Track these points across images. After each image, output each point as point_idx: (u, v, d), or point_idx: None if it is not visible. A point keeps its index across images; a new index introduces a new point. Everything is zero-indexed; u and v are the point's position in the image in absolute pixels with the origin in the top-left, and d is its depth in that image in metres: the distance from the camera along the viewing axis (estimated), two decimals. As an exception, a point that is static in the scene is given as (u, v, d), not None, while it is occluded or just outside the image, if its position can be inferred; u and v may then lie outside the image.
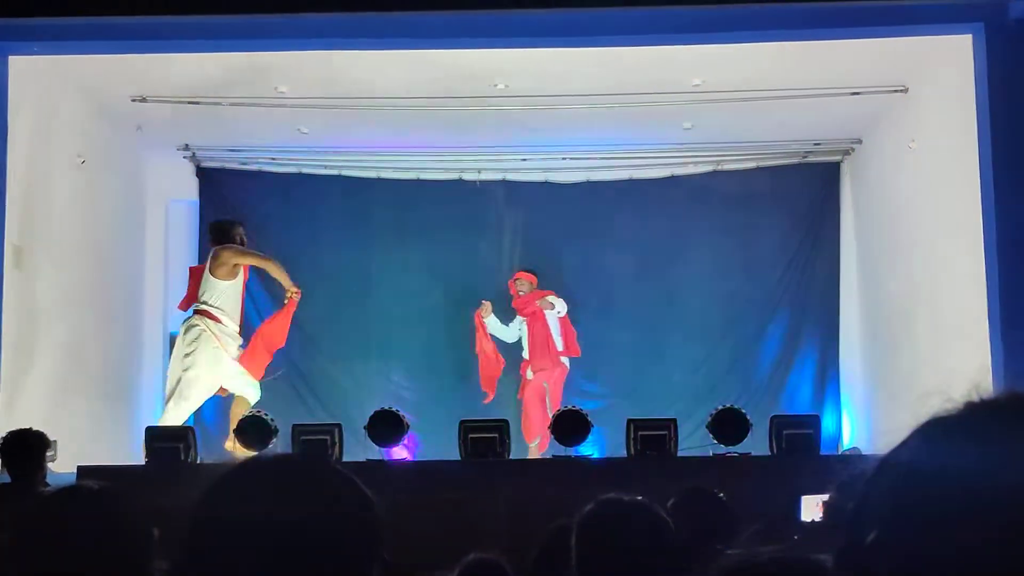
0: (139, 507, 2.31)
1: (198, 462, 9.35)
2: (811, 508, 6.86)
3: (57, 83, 10.63)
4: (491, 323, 12.28)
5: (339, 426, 9.72)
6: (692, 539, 5.16)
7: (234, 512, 1.49)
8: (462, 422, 9.83)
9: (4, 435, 6.85)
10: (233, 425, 9.95)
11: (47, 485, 6.22)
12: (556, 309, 12.18)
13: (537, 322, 12.20)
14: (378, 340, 13.19)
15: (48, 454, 6.93)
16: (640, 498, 3.49)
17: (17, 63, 9.68)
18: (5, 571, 2.28)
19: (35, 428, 6.74)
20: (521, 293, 12.31)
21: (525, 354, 12.26)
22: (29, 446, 6.52)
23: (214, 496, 1.51)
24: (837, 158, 13.37)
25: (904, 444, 1.13)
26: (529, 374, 12.17)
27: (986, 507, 1.01)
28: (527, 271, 12.55)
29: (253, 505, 1.48)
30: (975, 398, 1.13)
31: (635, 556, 3.32)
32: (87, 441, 10.45)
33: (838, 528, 1.16)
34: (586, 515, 3.42)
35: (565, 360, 12.22)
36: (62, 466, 8.66)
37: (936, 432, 1.11)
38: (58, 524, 2.20)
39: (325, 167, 13.35)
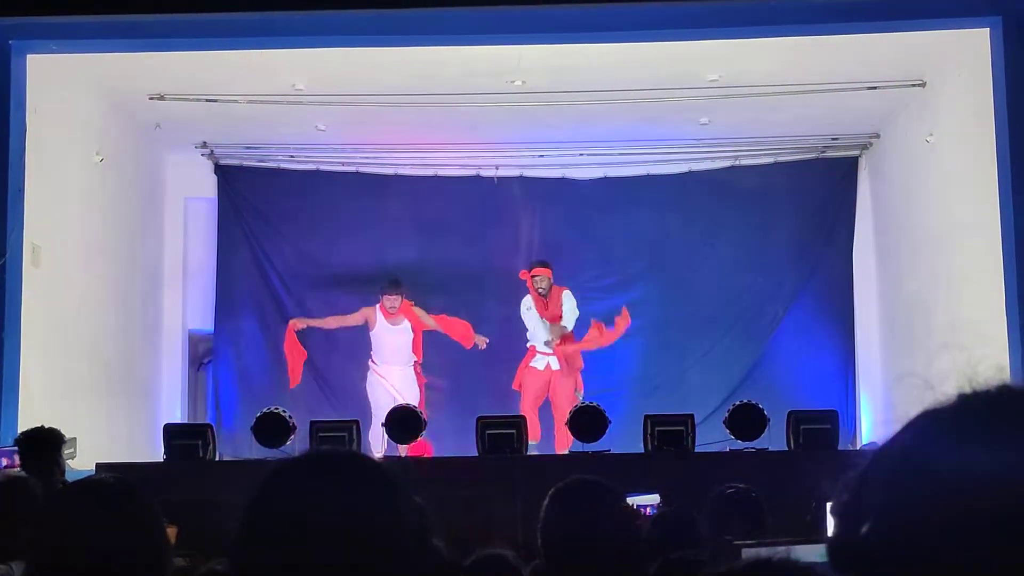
0: (154, 502, 2.32)
1: (216, 459, 9.40)
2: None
3: (75, 82, 10.67)
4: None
5: (357, 422, 9.76)
6: (721, 536, 5.16)
7: (290, 505, 1.50)
8: (479, 418, 9.84)
9: (20, 432, 6.90)
10: None
11: (65, 481, 6.25)
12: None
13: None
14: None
15: (68, 451, 6.97)
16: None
17: (36, 62, 9.72)
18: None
19: (52, 425, 6.78)
20: (541, 291, 12.21)
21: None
22: (44, 442, 6.55)
23: (268, 490, 1.52)
24: (855, 153, 13.31)
25: (898, 436, 1.13)
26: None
27: (978, 499, 1.01)
28: (542, 265, 12.39)
29: (310, 499, 1.50)
30: (968, 390, 1.13)
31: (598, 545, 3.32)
32: (107, 438, 10.51)
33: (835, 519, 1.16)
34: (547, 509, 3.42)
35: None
36: (81, 463, 8.72)
37: (929, 424, 1.11)
38: (73, 516, 2.21)
39: (343, 164, 13.37)
